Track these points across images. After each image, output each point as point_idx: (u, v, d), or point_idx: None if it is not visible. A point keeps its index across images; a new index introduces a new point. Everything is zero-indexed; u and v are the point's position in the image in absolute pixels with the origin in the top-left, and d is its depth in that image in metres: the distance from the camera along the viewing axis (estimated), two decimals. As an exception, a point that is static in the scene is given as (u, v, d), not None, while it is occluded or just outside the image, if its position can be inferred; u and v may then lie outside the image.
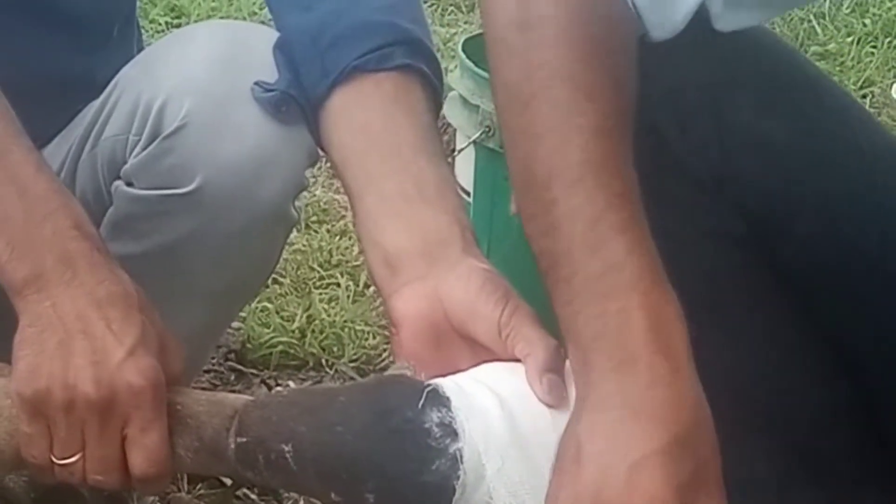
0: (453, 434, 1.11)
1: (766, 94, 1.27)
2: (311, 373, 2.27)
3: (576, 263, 1.06)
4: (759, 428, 1.03)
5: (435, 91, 1.37)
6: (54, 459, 1.21)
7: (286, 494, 1.94)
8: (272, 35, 1.39)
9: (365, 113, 1.32)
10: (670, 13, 1.16)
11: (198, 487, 1.95)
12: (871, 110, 3.11)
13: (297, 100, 1.34)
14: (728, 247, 1.28)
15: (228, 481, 1.94)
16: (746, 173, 1.28)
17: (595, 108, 1.09)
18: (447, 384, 1.15)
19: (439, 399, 1.13)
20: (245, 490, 1.95)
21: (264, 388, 2.20)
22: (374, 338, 2.31)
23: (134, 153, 1.41)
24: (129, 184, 1.42)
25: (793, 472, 1.14)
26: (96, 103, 1.50)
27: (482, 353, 1.21)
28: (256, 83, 1.35)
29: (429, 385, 1.14)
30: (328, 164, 1.36)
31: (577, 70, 1.09)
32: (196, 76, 1.37)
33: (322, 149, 1.38)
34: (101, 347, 1.19)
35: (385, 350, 2.27)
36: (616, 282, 1.04)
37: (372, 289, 2.35)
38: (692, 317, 1.07)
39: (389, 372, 1.21)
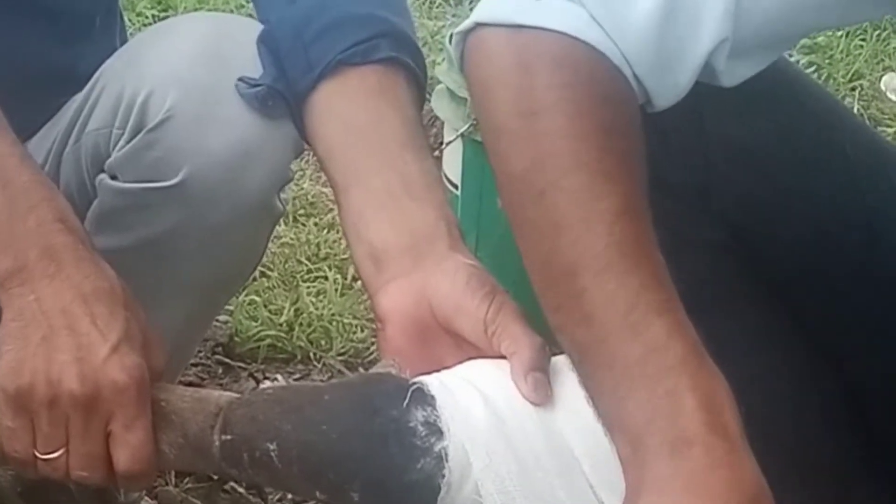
0: (438, 433, 1.10)
1: (747, 100, 1.26)
2: (299, 366, 2.26)
3: (615, 350, 1.03)
4: (747, 433, 1.02)
5: (419, 84, 1.36)
6: (37, 454, 1.21)
7: (271, 490, 1.93)
8: (256, 27, 1.39)
9: (350, 106, 1.31)
10: (673, 78, 1.12)
11: (185, 481, 1.95)
12: (861, 103, 3.11)
13: (283, 94, 1.34)
14: (713, 254, 1.27)
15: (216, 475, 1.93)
16: (729, 180, 1.27)
17: (615, 190, 1.05)
18: (432, 382, 1.14)
19: (424, 398, 1.12)
20: (233, 484, 1.95)
21: (252, 382, 2.19)
22: (362, 331, 2.30)
23: (118, 146, 1.40)
24: (114, 177, 1.41)
25: (782, 475, 1.13)
26: (80, 96, 1.50)
27: (468, 349, 1.20)
28: (241, 79, 1.34)
29: (414, 384, 1.13)
30: (316, 158, 1.36)
31: (591, 157, 1.05)
32: (180, 69, 1.36)
33: (307, 142, 1.37)
34: (86, 343, 1.19)
35: (373, 343, 2.26)
36: (661, 364, 1.01)
37: (360, 282, 2.34)
38: None
39: (374, 370, 1.21)
